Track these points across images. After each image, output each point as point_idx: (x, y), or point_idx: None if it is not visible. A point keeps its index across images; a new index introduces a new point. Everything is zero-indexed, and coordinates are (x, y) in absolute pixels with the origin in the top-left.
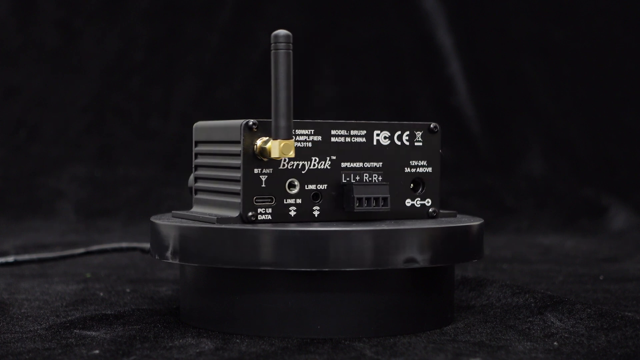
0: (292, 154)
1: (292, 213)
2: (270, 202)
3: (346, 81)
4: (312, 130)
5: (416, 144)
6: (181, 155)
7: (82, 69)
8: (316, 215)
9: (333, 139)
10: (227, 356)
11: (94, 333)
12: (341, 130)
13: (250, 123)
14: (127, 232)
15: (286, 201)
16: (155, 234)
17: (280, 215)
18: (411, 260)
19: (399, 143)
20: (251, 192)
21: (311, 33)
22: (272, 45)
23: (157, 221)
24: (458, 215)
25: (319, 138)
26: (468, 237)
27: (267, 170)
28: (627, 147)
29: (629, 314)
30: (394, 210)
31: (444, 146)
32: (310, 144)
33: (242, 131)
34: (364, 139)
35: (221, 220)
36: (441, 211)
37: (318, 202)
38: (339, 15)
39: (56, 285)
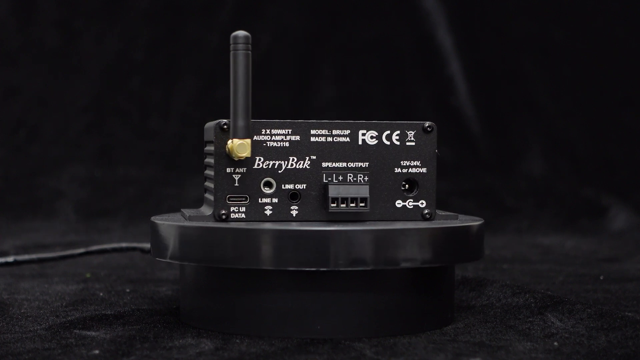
0: (247, 153)
1: (268, 212)
2: (244, 200)
3: (346, 81)
4: (290, 130)
5: (408, 143)
6: (181, 155)
7: (82, 69)
8: (294, 215)
9: (313, 139)
10: (227, 356)
11: (93, 333)
12: (322, 130)
13: (222, 123)
14: (127, 232)
15: (261, 200)
16: (155, 233)
17: (255, 214)
18: (411, 260)
19: (387, 143)
20: (223, 190)
21: (311, 33)
22: (232, 46)
23: (157, 221)
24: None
25: (297, 138)
26: (468, 238)
27: (241, 170)
28: (627, 147)
29: (629, 314)
30: (382, 212)
31: (444, 146)
32: (287, 144)
33: (215, 131)
34: (348, 139)
35: (193, 218)
36: (442, 213)
37: (296, 202)
38: (339, 15)
39: (56, 285)
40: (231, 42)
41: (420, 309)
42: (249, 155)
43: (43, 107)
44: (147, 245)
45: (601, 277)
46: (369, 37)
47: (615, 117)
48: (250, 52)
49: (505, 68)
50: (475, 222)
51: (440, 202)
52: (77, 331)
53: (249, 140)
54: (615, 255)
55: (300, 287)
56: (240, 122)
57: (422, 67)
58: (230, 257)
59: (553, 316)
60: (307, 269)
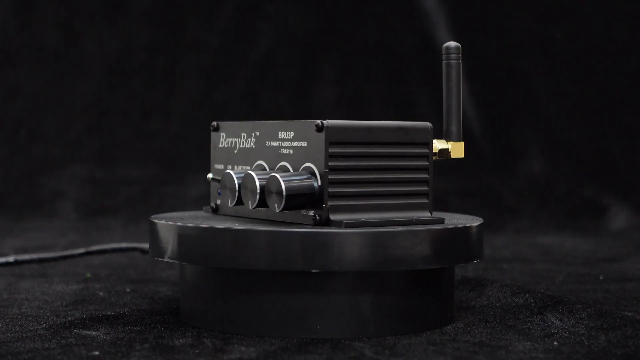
0: (461, 154)
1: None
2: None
3: (346, 81)
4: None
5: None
6: (181, 155)
7: (83, 69)
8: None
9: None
10: (227, 356)
11: (93, 333)
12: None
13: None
14: (127, 232)
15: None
16: (154, 233)
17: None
18: (411, 262)
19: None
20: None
21: (311, 33)
22: (444, 56)
23: (156, 221)
24: (458, 216)
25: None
26: (468, 238)
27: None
28: (627, 147)
29: (629, 313)
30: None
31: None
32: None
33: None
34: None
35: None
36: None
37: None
38: (339, 16)
39: (56, 285)
40: (443, 52)
41: (420, 309)
42: (462, 156)
43: (43, 107)
44: (147, 245)
45: (601, 277)
46: (369, 37)
47: (615, 117)
48: (460, 61)
49: (505, 68)
50: (475, 222)
51: (441, 202)
52: (77, 331)
53: (462, 143)
54: (615, 255)
55: (300, 287)
56: (454, 127)
57: (422, 67)
58: (230, 258)
59: (553, 316)
60: (307, 270)
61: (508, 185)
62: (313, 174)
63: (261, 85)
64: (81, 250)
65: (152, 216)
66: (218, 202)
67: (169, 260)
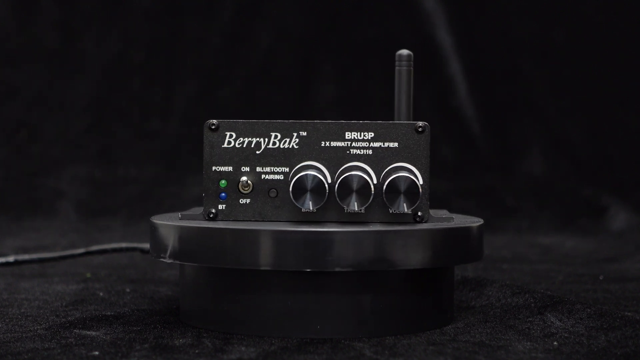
0: None
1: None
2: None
3: (346, 81)
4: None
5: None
6: (181, 155)
7: (83, 69)
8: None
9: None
10: (227, 356)
11: (93, 333)
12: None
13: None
14: (127, 232)
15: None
16: (154, 233)
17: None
18: (411, 262)
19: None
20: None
21: (311, 33)
22: (397, 63)
23: (156, 221)
24: (459, 216)
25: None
26: (468, 239)
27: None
28: (627, 147)
29: (629, 314)
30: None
31: (444, 146)
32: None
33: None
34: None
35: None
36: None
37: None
38: (339, 15)
39: (56, 285)
40: (396, 59)
41: (420, 309)
42: None
43: (43, 107)
44: (147, 245)
45: (601, 277)
46: (369, 37)
47: (615, 117)
48: (412, 69)
49: (505, 68)
50: (474, 223)
51: (441, 202)
52: (77, 331)
53: None
54: (615, 255)
55: (300, 287)
56: None
57: (422, 67)
58: (230, 258)
59: (553, 316)
60: (307, 270)
61: (508, 185)
62: (412, 174)
63: (261, 85)
64: (81, 250)
65: (152, 217)
66: (220, 207)
67: (169, 260)
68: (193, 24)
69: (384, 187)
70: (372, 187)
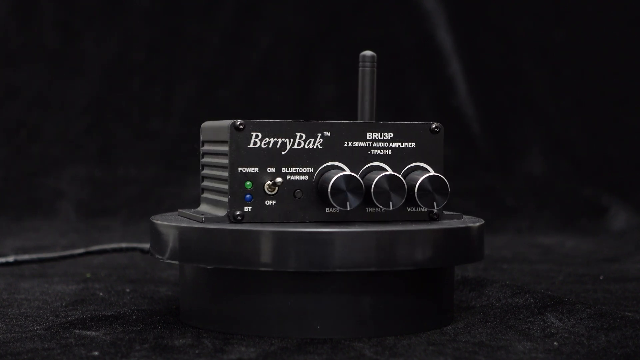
0: None
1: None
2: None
3: (346, 81)
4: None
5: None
6: (181, 155)
7: (83, 69)
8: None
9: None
10: (227, 356)
11: (93, 333)
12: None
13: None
14: (127, 232)
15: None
16: (154, 233)
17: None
18: (411, 262)
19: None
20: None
21: (311, 33)
22: (360, 63)
23: (156, 221)
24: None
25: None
26: (469, 239)
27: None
28: (627, 147)
29: (629, 314)
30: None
31: (444, 146)
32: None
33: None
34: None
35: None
36: (447, 212)
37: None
38: (339, 15)
39: (56, 285)
40: (360, 60)
41: (420, 309)
42: None
43: (43, 107)
44: (147, 245)
45: (601, 277)
46: (369, 37)
47: (615, 117)
48: (375, 69)
49: (505, 68)
50: (475, 223)
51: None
52: (77, 331)
53: None
54: (615, 255)
55: (300, 287)
56: None
57: (422, 67)
58: (230, 258)
59: (553, 316)
60: (307, 270)
61: (508, 185)
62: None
63: (261, 85)
64: (81, 250)
65: (152, 216)
66: (247, 209)
67: (169, 260)
68: (193, 24)
69: (417, 186)
70: (405, 186)
